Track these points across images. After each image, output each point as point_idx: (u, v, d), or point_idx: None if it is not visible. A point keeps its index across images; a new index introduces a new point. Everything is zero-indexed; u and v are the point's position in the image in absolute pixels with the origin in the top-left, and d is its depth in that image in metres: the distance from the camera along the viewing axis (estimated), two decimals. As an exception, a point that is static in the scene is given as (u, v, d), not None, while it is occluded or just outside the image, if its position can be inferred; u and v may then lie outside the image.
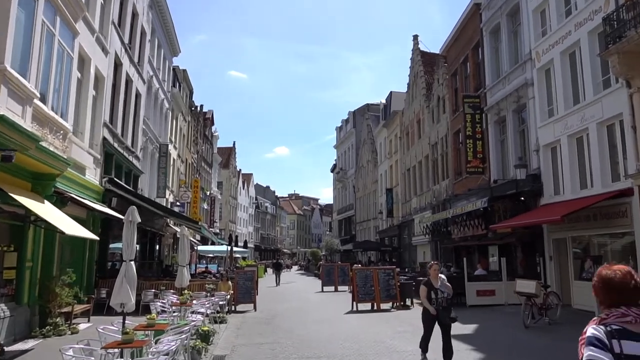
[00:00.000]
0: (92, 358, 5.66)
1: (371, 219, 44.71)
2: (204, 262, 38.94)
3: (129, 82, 18.34)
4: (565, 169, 15.29)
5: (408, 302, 16.73)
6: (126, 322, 6.79)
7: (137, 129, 19.91)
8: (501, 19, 19.69)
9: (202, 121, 43.53)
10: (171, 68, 28.54)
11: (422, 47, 32.61)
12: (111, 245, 17.47)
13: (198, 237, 35.76)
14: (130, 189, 17.62)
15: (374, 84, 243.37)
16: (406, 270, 27.89)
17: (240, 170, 71.68)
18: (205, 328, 9.36)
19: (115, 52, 16.28)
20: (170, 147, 26.72)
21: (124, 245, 7.23)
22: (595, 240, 14.60)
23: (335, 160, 64.09)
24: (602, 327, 2.08)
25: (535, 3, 17.32)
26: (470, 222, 20.53)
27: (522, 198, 17.20)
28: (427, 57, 31.61)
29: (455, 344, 7.76)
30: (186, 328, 7.58)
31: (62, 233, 9.05)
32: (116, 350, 5.85)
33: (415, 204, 31.24)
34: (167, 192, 26.35)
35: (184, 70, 33.92)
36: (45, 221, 8.86)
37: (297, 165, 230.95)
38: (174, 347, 6.01)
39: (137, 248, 20.31)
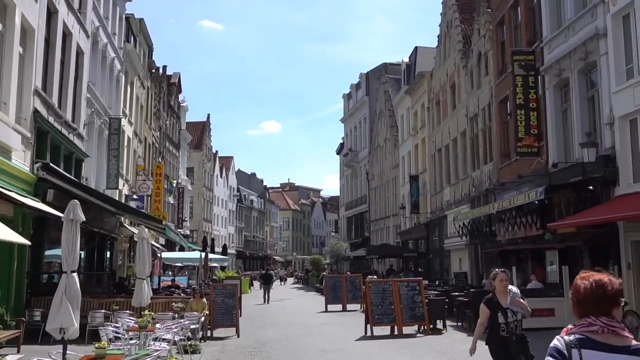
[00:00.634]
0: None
1: (390, 216, 44.84)
2: (170, 273, 39.19)
3: (67, 35, 18.26)
4: (649, 149, 15.20)
5: (439, 324, 16.77)
6: (68, 352, 6.79)
7: (79, 98, 19.87)
8: (564, -52, 19.45)
9: (166, 88, 43.57)
10: (123, 17, 28.39)
11: (457, -13, 32.33)
12: (47, 252, 17.52)
13: (162, 240, 35.94)
14: (72, 177, 17.62)
15: (394, 36, 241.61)
16: (437, 283, 28.03)
17: (216, 152, 71.91)
18: (173, 360, 9.38)
19: (49, -4, 16.16)
20: (124, 121, 26.70)
21: (63, 252, 7.22)
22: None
23: (343, 138, 64.11)
24: (565, 337, 2.68)
25: None
26: (521, 220, 20.51)
27: (591, 187, 17.15)
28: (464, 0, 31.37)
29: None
30: (147, 360, 7.59)
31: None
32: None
33: (448, 196, 31.22)
34: (121, 181, 26.37)
35: (141, 20, 33.78)
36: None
37: (291, 146, 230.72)
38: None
39: (82, 256, 20.31)
